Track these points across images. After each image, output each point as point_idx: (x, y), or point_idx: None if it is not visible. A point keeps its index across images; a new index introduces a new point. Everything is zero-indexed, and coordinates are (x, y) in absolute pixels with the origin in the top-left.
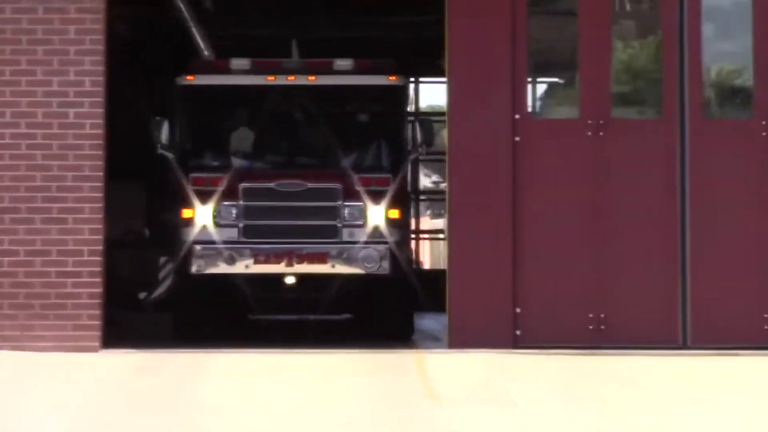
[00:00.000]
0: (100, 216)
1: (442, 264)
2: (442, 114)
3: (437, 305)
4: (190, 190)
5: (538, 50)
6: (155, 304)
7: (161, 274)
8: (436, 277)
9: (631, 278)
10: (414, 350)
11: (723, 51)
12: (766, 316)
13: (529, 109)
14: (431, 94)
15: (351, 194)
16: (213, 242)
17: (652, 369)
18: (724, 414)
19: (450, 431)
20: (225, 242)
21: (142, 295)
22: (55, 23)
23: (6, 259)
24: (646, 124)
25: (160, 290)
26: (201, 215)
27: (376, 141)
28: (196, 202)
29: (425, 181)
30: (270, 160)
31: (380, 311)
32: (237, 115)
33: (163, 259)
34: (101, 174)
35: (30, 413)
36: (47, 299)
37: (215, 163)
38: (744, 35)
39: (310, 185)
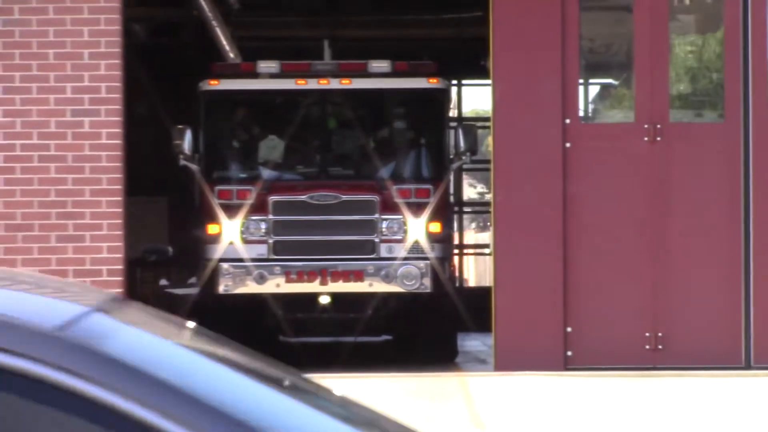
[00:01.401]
0: (120, 233)
1: (488, 281)
2: (486, 119)
3: (482, 325)
4: (215, 203)
5: (591, 49)
6: None
7: (186, 295)
8: (481, 295)
9: (691, 293)
10: (458, 373)
11: None
12: None
13: (581, 113)
14: (475, 97)
15: (389, 207)
16: (241, 260)
17: (714, 392)
18: None
19: None
20: (254, 259)
21: None
22: (67, 24)
23: None
24: (707, 128)
25: (185, 311)
26: (228, 231)
27: (416, 149)
28: (223, 217)
29: (469, 191)
30: (301, 171)
31: (421, 332)
32: (265, 122)
33: (191, 280)
34: (120, 188)
35: None
36: None
37: (242, 175)
38: None
39: (345, 197)
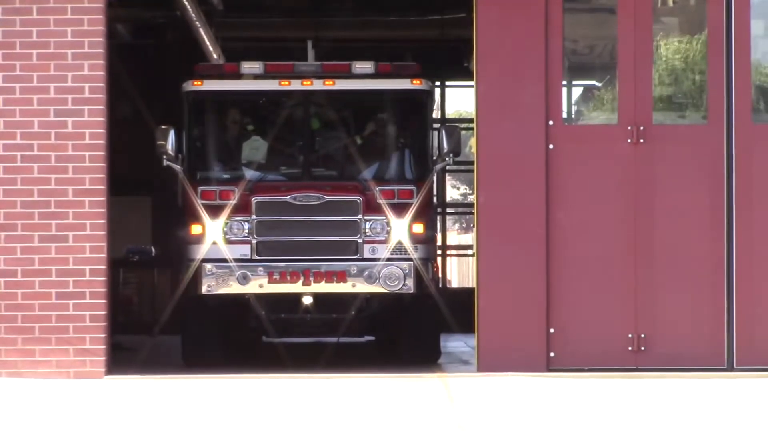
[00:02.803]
0: (103, 233)
1: (471, 282)
2: (470, 121)
3: (465, 326)
4: (198, 204)
5: (574, 51)
6: (163, 327)
7: (169, 295)
8: (464, 296)
9: (674, 295)
10: (441, 374)
11: None
12: None
13: (564, 115)
14: (458, 99)
15: (372, 207)
16: (224, 260)
17: (697, 393)
18: None
19: None
20: (237, 260)
21: (148, 318)
22: (51, 24)
23: (2, 279)
24: (690, 130)
25: (168, 312)
26: (211, 231)
27: (399, 150)
28: (206, 218)
29: (452, 192)
30: (284, 172)
31: (404, 333)
32: (248, 123)
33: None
34: (103, 188)
35: None
36: (47, 322)
37: (226, 175)
38: None
39: (328, 198)
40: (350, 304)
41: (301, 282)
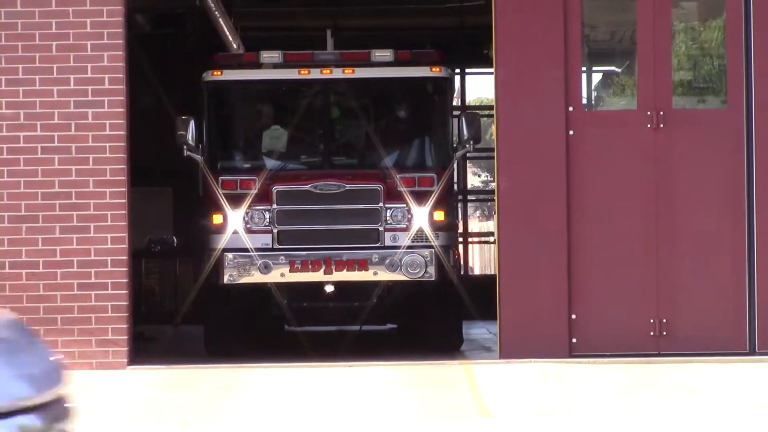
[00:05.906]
0: (124, 223)
1: (492, 269)
2: (490, 107)
3: (487, 313)
4: (219, 194)
5: (593, 37)
6: (185, 316)
7: (191, 285)
8: (485, 283)
9: (696, 279)
10: (463, 361)
11: None
12: None
13: (584, 101)
14: (478, 86)
15: (393, 195)
16: (245, 250)
17: (718, 377)
18: None
19: None
20: (258, 249)
21: (170, 308)
22: (70, 16)
23: (24, 271)
24: (710, 114)
25: (190, 302)
26: (232, 221)
27: (419, 138)
28: (227, 207)
29: (473, 180)
30: (305, 161)
31: (426, 320)
32: (268, 112)
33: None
34: (124, 178)
35: None
36: (69, 313)
37: (246, 165)
38: None
39: (349, 186)
40: (372, 292)
41: (322, 270)
